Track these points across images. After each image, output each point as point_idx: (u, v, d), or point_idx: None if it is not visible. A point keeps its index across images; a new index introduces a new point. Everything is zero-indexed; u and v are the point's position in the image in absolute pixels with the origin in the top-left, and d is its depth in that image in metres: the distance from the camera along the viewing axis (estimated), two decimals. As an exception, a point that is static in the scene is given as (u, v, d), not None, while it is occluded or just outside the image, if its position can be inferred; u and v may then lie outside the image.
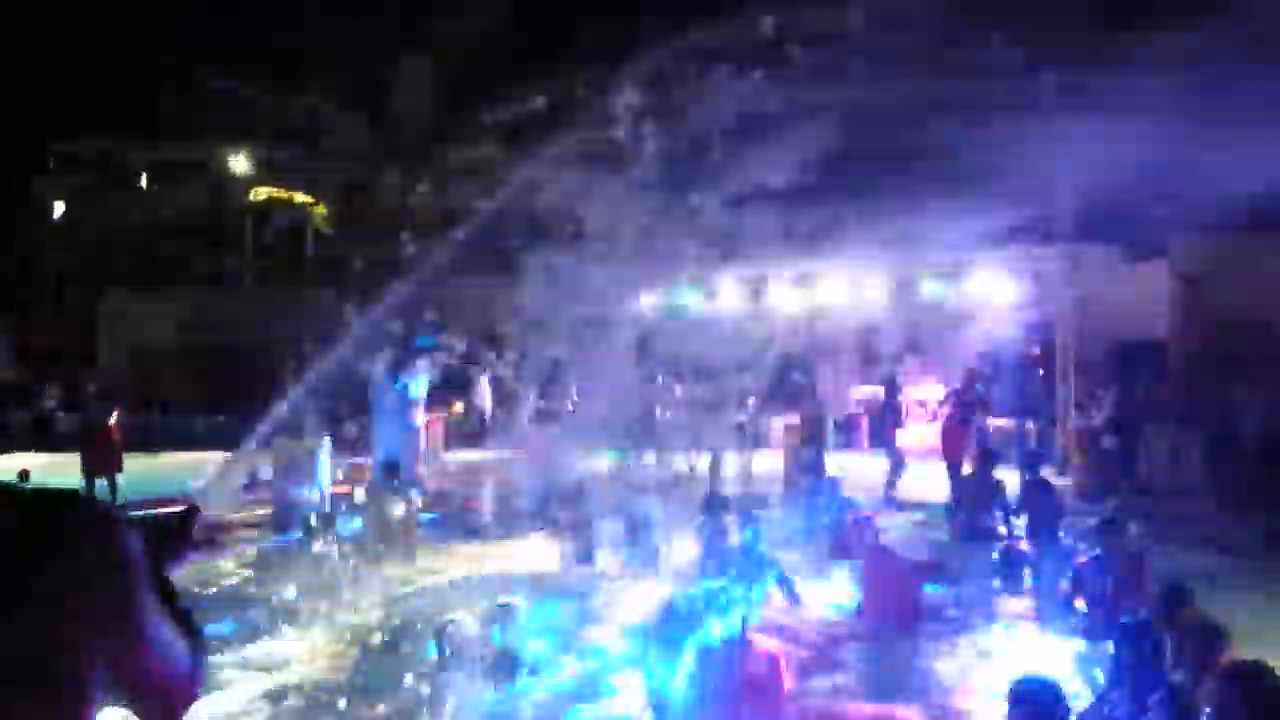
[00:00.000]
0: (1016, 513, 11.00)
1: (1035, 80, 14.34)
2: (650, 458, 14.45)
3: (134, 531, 1.58)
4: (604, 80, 16.84)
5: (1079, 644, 7.13)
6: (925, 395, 16.29)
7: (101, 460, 13.68)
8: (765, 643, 5.22)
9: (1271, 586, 8.83)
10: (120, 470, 13.95)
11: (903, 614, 7.31)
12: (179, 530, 2.03)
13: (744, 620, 5.01)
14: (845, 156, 14.33)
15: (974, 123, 12.92)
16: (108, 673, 1.50)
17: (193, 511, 2.06)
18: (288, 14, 16.92)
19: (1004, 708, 3.99)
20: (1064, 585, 7.78)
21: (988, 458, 11.65)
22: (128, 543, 1.55)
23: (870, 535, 8.45)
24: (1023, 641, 7.65)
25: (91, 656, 1.47)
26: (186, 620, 1.72)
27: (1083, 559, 7.70)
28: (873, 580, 7.53)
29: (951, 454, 13.33)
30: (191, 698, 1.66)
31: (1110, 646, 5.51)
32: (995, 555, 9.78)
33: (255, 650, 7.79)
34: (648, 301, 18.68)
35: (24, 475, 11.46)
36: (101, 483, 13.55)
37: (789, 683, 5.09)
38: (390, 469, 11.96)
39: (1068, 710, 3.94)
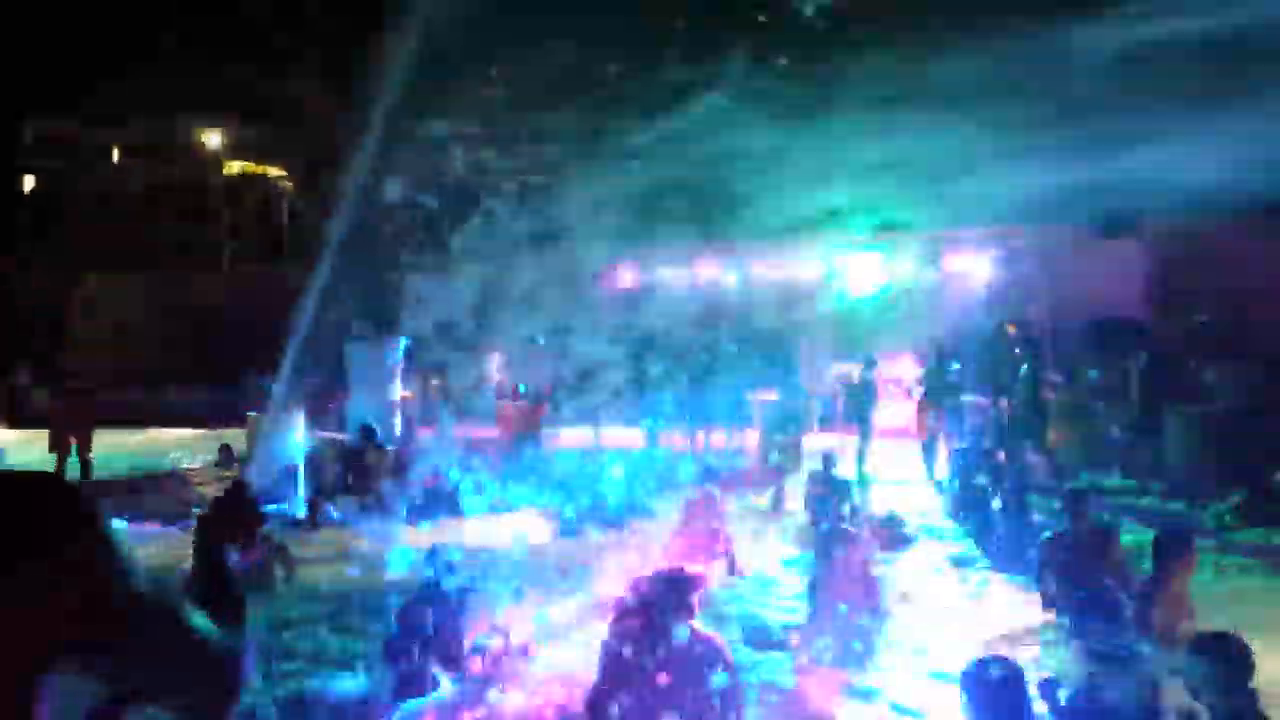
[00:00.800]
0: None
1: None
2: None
3: (110, 519, 1.46)
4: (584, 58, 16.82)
5: (1048, 618, 7.18)
6: (900, 373, 16.32)
7: (82, 440, 13.42)
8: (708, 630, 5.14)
9: (1247, 559, 8.91)
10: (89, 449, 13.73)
11: (860, 593, 7.19)
12: (241, 512, 1.85)
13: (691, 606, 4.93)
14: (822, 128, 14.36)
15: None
16: (99, 671, 1.39)
17: (243, 487, 1.89)
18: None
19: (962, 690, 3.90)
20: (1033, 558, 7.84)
21: (979, 431, 11.79)
22: (110, 534, 1.43)
23: (833, 515, 8.26)
24: (989, 615, 7.65)
25: (64, 658, 1.35)
26: (227, 612, 1.63)
27: (1049, 533, 7.74)
28: (832, 560, 7.39)
29: (924, 432, 13.44)
30: (225, 695, 1.55)
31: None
32: (973, 526, 9.95)
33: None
34: (630, 278, 18.74)
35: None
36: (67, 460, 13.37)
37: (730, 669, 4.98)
38: (368, 432, 12.08)
39: (1024, 694, 3.84)
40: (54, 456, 13.04)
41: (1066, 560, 7.19)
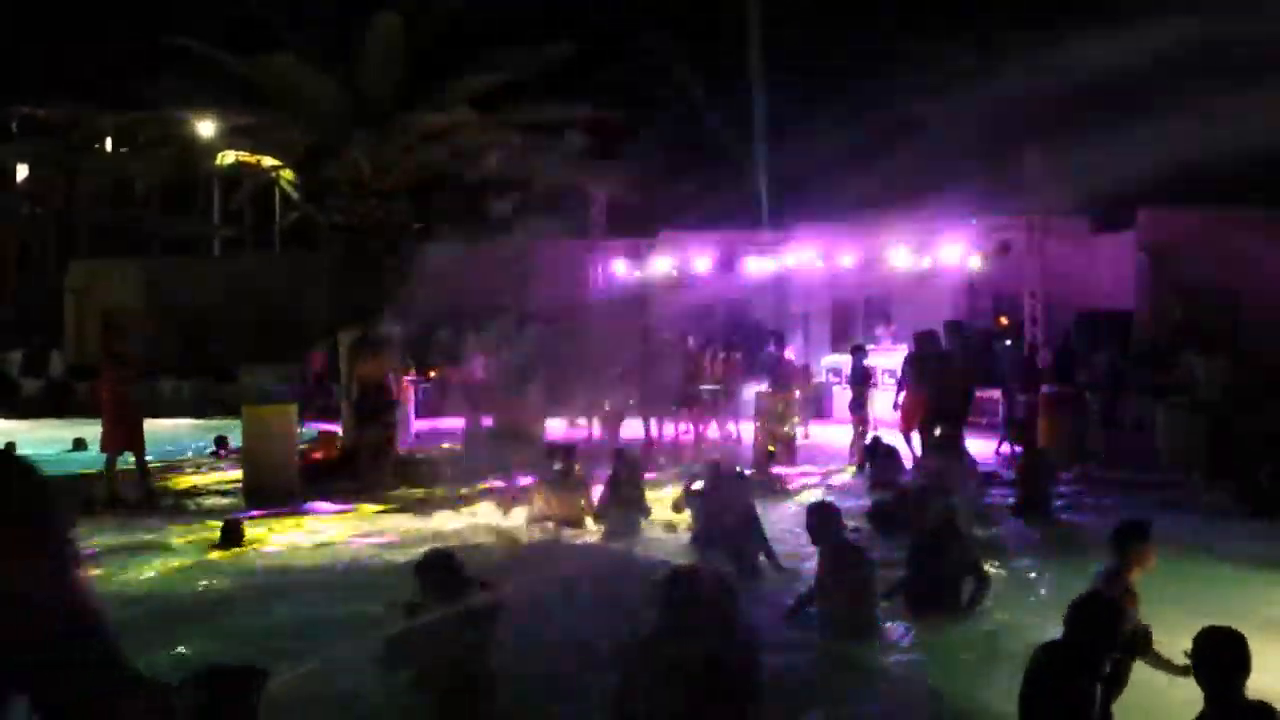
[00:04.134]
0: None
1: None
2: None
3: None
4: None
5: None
6: (893, 364, 16.38)
7: (135, 432, 11.67)
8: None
9: (1244, 549, 8.88)
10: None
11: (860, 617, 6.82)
12: None
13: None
14: (813, 121, 14.37)
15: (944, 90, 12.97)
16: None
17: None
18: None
19: None
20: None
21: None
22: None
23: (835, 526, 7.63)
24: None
25: None
26: None
27: None
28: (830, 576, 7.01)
29: (909, 425, 13.28)
30: None
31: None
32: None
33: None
34: (619, 268, 18.75)
35: (10, 447, 11.26)
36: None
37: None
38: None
39: None
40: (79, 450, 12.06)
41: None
